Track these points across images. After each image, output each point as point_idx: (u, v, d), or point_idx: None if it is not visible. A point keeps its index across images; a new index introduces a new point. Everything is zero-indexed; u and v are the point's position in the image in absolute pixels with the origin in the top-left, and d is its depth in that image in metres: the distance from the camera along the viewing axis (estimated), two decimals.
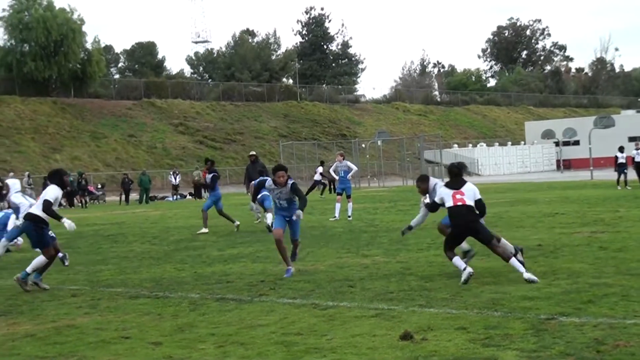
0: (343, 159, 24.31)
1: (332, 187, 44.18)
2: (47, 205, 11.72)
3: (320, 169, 40.99)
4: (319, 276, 11.71)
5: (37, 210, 11.86)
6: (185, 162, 65.71)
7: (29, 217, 11.93)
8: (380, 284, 10.78)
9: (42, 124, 65.27)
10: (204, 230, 20.82)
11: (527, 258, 12.41)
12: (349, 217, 23.09)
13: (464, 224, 10.82)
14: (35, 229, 11.85)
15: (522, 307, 8.57)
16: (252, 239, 18.36)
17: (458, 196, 10.91)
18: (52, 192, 11.92)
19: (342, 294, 10.10)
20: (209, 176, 21.75)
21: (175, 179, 51.48)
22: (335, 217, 23.41)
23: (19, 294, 11.64)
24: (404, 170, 62.52)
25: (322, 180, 41.20)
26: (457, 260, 10.67)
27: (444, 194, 11.05)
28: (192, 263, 14.36)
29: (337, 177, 24.49)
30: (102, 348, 7.83)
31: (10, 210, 18.80)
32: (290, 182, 12.09)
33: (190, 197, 51.17)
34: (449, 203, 10.90)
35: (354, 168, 24.42)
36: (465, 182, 11.14)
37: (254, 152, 24.70)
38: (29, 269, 11.67)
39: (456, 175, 11.21)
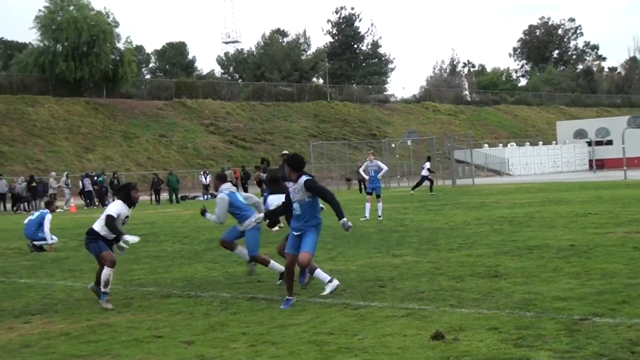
0: (374, 159, 24.28)
1: (361, 186, 44.16)
2: (109, 221, 10.66)
3: (427, 165, 39.89)
4: (349, 276, 11.71)
5: (97, 225, 10.80)
6: (215, 162, 65.98)
7: (90, 232, 10.83)
8: (411, 283, 10.76)
9: (75, 124, 65.90)
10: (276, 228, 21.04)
11: (560, 258, 12.33)
12: (379, 217, 23.06)
13: None
14: (91, 242, 10.79)
15: (555, 308, 8.51)
16: (282, 239, 18.37)
17: None
18: (116, 207, 10.88)
19: (373, 294, 10.09)
20: (264, 175, 21.95)
21: (205, 178, 51.65)
22: (365, 217, 23.38)
23: (54, 292, 11.77)
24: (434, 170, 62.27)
25: (429, 176, 39.94)
26: (275, 264, 11.42)
27: (280, 200, 11.52)
28: (223, 262, 14.42)
29: (367, 177, 24.45)
30: (135, 347, 7.89)
31: (45, 210, 19.03)
32: (304, 178, 9.64)
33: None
34: None
35: (384, 168, 24.37)
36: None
37: (286, 151, 24.68)
38: (101, 287, 10.51)
39: (277, 181, 11.87)
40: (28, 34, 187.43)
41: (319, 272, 10.52)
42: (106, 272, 10.44)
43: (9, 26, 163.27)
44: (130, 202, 10.98)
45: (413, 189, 39.64)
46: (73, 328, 8.96)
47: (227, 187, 11.98)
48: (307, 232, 9.59)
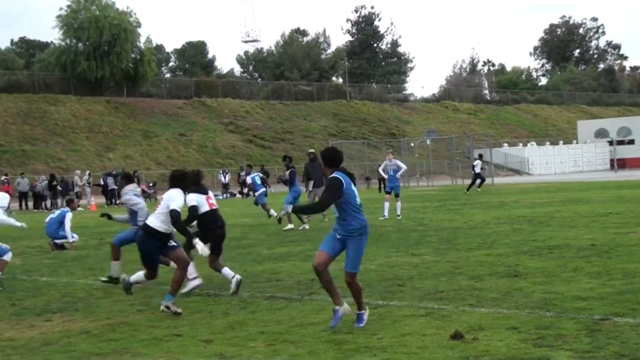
0: (393, 158, 24.27)
1: (381, 186, 44.13)
2: (175, 218, 9.48)
3: (479, 162, 39.12)
4: (368, 275, 11.70)
5: (156, 221, 9.59)
6: (234, 161, 66.10)
7: (147, 231, 9.64)
8: (430, 283, 10.73)
9: (96, 123, 66.26)
10: (290, 226, 21.06)
11: (580, 258, 12.27)
12: (398, 216, 23.03)
13: (222, 228, 11.34)
14: (152, 245, 9.67)
15: (575, 308, 8.47)
16: (301, 238, 18.41)
17: (210, 201, 11.36)
18: (179, 198, 9.67)
19: (392, 293, 10.08)
20: (287, 172, 21.95)
21: (225, 177, 51.82)
22: (384, 216, 23.36)
23: (74, 290, 11.83)
24: (453, 170, 62.11)
25: (482, 174, 38.83)
26: (227, 270, 11.08)
27: (198, 199, 11.13)
28: (242, 261, 14.44)
29: (386, 176, 24.43)
30: (154, 345, 7.93)
31: (66, 209, 19.15)
32: (331, 176, 8.33)
33: (239, 195, 51.47)
34: (205, 208, 11.18)
35: (403, 167, 24.35)
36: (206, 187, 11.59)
37: (313, 150, 24.62)
38: (172, 292, 9.58)
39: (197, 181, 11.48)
40: (49, 34, 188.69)
41: (226, 270, 10.99)
42: (182, 275, 9.65)
43: (31, 25, 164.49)
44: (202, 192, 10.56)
45: (468, 188, 38.06)
46: (93, 326, 9.01)
47: (131, 187, 12.38)
48: (351, 240, 8.12)
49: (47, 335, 8.66)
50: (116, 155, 62.40)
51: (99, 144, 63.47)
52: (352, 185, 8.23)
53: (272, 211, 23.24)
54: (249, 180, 24.94)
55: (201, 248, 9.59)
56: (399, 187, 24.06)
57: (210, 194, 11.56)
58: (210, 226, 11.16)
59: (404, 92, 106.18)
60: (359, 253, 8.18)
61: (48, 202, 43.79)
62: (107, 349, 7.88)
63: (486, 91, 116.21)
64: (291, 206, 8.83)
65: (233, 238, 19.27)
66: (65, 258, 16.01)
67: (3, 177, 44.14)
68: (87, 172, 47.73)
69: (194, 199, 10.91)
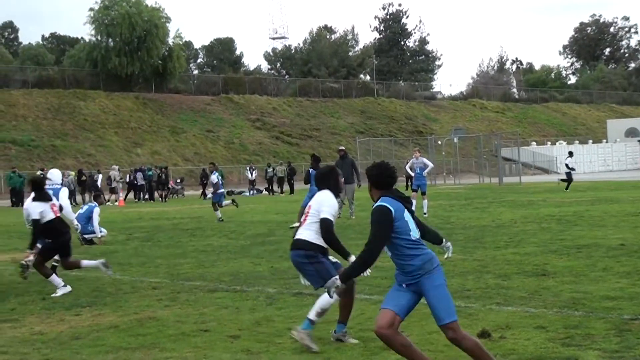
0: (420, 156, 24.20)
1: (408, 183, 44.05)
2: (327, 227, 7.66)
3: (570, 160, 37.82)
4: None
5: (311, 234, 7.71)
6: (261, 158, 66.24)
7: (302, 246, 7.71)
8: (457, 281, 10.69)
9: (125, 118, 66.68)
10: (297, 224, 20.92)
11: (609, 257, 12.17)
12: (425, 214, 22.97)
13: (68, 233, 11.54)
14: (310, 263, 7.69)
15: (604, 307, 8.41)
16: None
17: (55, 208, 11.54)
18: (331, 202, 7.85)
19: None
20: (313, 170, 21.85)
21: (251, 174, 51.95)
22: None
23: (103, 285, 11.92)
24: (480, 168, 61.83)
25: (571, 174, 37.24)
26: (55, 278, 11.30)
27: (43, 208, 11.36)
28: (268, 258, 14.47)
29: (413, 174, 24.38)
30: (182, 340, 7.96)
31: (94, 204, 19.30)
32: (377, 203, 6.19)
33: (266, 192, 51.57)
34: (51, 215, 11.41)
35: (430, 165, 24.29)
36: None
37: (343, 147, 24.57)
38: (312, 315, 7.64)
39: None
40: (80, 30, 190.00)
41: (54, 277, 11.17)
42: (331, 300, 7.27)
43: (62, 21, 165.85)
44: (339, 190, 8.24)
45: (567, 188, 36.63)
46: (121, 321, 9.06)
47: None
48: (422, 283, 6.03)
49: (77, 329, 8.73)
50: (144, 151, 62.76)
51: (127, 140, 63.90)
52: (406, 213, 6.15)
53: (218, 213, 24.26)
54: (214, 179, 25.27)
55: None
56: (425, 185, 23.99)
57: (55, 200, 12.04)
58: (58, 232, 11.48)
59: (432, 89, 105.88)
60: (441, 295, 6.03)
61: (78, 197, 44.12)
62: (135, 343, 7.92)
63: (514, 89, 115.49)
64: (338, 281, 6.39)
65: (260, 235, 19.36)
66: (94, 253, 16.11)
67: (39, 172, 44.56)
68: (116, 167, 48.06)
69: (38, 208, 11.31)
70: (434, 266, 6.02)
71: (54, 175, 14.01)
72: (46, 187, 13.39)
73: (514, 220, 20.25)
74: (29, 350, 7.80)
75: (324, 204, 7.75)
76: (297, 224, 20.44)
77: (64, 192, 13.58)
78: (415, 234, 6.14)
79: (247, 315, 9.09)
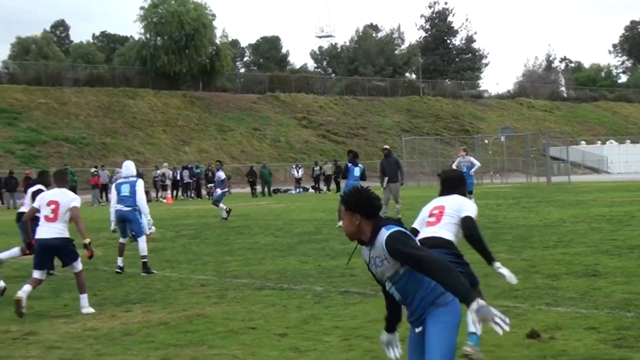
0: (466, 155, 24.08)
1: None
2: (475, 225, 6.92)
3: None
4: None
5: (448, 233, 6.75)
6: (307, 156, 66.34)
7: (441, 243, 6.63)
8: (505, 281, 10.56)
9: (173, 116, 67.29)
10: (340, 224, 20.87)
11: None
12: None
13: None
14: (460, 264, 6.70)
15: None
16: None
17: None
18: (472, 204, 7.05)
19: None
20: (354, 167, 21.79)
21: (298, 172, 52.09)
22: None
23: (152, 282, 12.07)
24: (528, 167, 61.20)
25: None
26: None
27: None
28: (315, 256, 14.50)
29: None
30: (230, 338, 8.03)
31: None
32: (384, 233, 4.87)
33: (312, 190, 51.67)
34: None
35: (477, 164, 24.15)
36: None
37: (387, 146, 24.48)
38: (475, 329, 6.66)
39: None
40: (129, 28, 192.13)
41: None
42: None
43: (112, 20, 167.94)
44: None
45: None
46: (171, 318, 9.17)
47: (38, 186, 12.58)
48: (430, 321, 4.88)
49: (127, 325, 8.85)
50: (192, 149, 63.27)
51: (175, 138, 64.47)
52: None
53: (223, 212, 24.73)
54: (221, 176, 25.65)
55: (508, 275, 7.13)
56: (472, 184, 23.86)
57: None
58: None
59: (478, 88, 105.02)
60: (445, 336, 4.83)
61: None
62: (184, 340, 8.01)
63: (563, 88, 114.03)
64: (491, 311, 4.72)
65: (306, 233, 19.39)
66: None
67: (93, 170, 45.22)
68: (165, 164, 48.60)
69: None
70: (447, 300, 4.84)
71: (129, 167, 14.02)
72: (122, 179, 13.69)
73: (563, 219, 20.01)
74: (82, 346, 7.94)
75: (466, 204, 6.91)
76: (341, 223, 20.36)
77: (140, 184, 13.63)
78: None
79: (294, 313, 9.12)
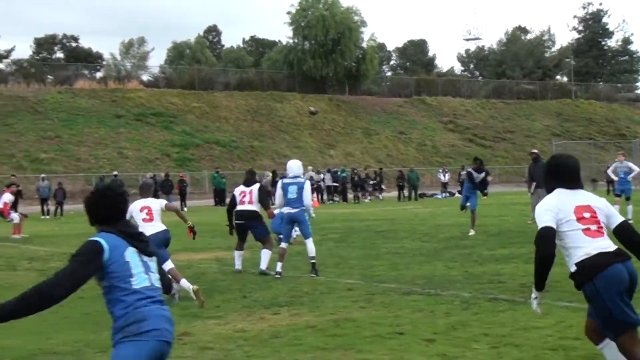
0: (624, 159, 23.22)
1: (609, 188, 42.25)
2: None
3: None
4: None
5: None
6: (454, 160, 65.67)
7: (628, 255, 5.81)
8: None
9: (319, 120, 68.00)
10: (472, 232, 20.47)
11: None
12: (629, 219, 21.90)
13: None
14: None
15: None
16: (523, 239, 17.92)
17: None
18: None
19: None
20: (478, 175, 21.35)
21: (444, 176, 51.62)
22: None
23: (299, 285, 12.21)
24: None
25: None
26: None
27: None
28: (462, 262, 14.30)
29: (616, 178, 23.45)
30: (377, 342, 8.00)
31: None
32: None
33: (458, 194, 51.01)
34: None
35: (636, 169, 23.21)
36: None
37: (535, 150, 23.87)
38: None
39: None
40: (278, 32, 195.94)
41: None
42: None
43: (261, 24, 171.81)
44: None
45: None
46: (318, 321, 9.21)
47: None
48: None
49: (276, 328, 8.95)
50: (337, 153, 63.80)
51: (321, 141, 65.19)
52: (130, 252, 4.70)
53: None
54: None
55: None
56: (630, 190, 22.97)
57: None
58: None
59: (636, 91, 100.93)
60: None
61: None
62: (332, 344, 8.02)
63: None
64: None
65: (452, 238, 19.18)
66: (290, 252, 16.50)
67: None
68: (309, 167, 49.21)
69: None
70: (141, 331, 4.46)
71: (295, 167, 13.67)
72: (289, 179, 13.44)
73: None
74: (233, 347, 8.09)
75: (610, 206, 5.95)
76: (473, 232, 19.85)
77: (308, 186, 13.56)
78: (142, 281, 4.61)
79: (442, 319, 9.02)
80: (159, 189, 43.31)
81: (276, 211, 14.63)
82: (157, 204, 12.01)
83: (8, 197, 25.43)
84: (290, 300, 10.83)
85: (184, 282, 11.03)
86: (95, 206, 4.75)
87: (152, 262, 4.78)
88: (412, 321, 8.98)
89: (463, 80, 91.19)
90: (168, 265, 11.52)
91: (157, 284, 4.72)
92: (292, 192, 13.28)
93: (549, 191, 5.97)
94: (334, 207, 39.58)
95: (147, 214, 11.63)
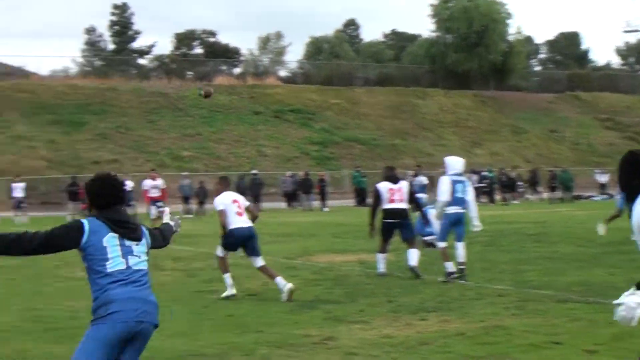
0: None
1: None
2: None
3: None
4: None
5: None
6: (612, 160, 62.83)
7: None
8: None
9: (463, 117, 66.69)
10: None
11: None
12: None
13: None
14: None
15: None
16: None
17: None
18: None
19: None
20: None
21: (603, 177, 49.78)
22: None
23: (448, 290, 11.82)
24: None
25: None
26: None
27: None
28: (626, 268, 13.35)
29: None
30: (532, 352, 7.66)
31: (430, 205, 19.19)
32: None
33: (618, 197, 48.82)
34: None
35: None
36: None
37: None
38: None
39: None
40: (419, 26, 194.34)
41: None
42: None
43: (402, 18, 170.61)
44: None
45: None
46: (467, 328, 8.88)
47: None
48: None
49: (424, 334, 8.67)
50: (483, 151, 62.29)
51: (464, 139, 63.68)
52: (110, 238, 5.12)
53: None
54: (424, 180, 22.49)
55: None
56: None
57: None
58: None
59: None
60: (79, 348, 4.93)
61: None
62: (482, 352, 7.73)
63: None
64: None
65: (613, 242, 18.05)
66: (436, 255, 16.06)
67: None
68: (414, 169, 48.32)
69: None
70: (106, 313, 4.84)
71: (458, 163, 13.28)
72: (455, 175, 12.94)
73: None
74: (379, 353, 7.89)
75: None
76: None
77: (470, 188, 13.27)
78: (117, 264, 4.94)
79: (604, 329, 8.46)
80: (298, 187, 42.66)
81: (433, 212, 14.11)
82: (242, 199, 12.11)
83: (149, 183, 28.01)
84: (438, 305, 10.47)
85: (279, 280, 11.14)
86: (94, 193, 5.16)
87: (139, 246, 5.08)
88: (569, 330, 8.55)
89: (622, 75, 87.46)
90: (259, 261, 11.60)
91: (139, 266, 5.02)
92: (460, 191, 12.83)
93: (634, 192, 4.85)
94: (481, 209, 38.15)
95: (239, 207, 11.74)
